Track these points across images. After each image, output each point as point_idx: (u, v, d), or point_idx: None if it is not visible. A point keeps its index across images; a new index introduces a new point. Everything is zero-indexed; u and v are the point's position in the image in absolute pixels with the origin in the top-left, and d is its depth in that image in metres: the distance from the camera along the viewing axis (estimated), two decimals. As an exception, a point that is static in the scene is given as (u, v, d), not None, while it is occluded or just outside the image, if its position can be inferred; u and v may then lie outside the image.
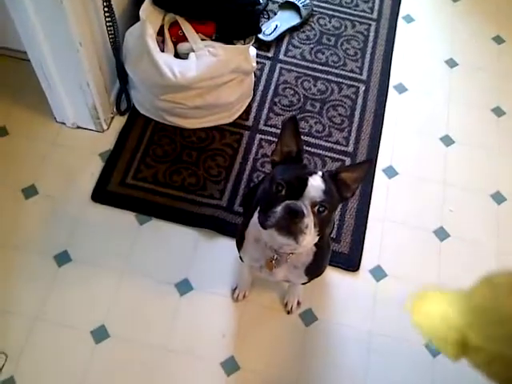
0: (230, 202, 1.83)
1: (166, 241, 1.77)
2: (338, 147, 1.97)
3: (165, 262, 1.74)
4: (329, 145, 1.97)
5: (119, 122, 1.98)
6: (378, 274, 1.76)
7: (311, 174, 1.08)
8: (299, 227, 1.02)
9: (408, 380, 1.60)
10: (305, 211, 1.02)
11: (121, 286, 1.69)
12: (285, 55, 2.17)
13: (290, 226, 1.01)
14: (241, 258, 1.43)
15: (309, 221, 1.03)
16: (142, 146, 1.92)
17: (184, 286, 1.70)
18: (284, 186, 1.05)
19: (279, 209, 1.02)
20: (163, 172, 1.87)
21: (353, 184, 1.13)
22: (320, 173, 1.09)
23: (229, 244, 1.74)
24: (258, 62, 2.06)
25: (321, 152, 1.95)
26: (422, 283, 1.74)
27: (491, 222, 1.89)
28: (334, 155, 1.95)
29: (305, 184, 1.04)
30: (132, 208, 1.81)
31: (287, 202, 1.03)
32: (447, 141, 2.04)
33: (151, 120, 1.96)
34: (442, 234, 1.85)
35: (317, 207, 1.05)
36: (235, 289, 1.68)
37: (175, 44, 1.84)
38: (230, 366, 1.59)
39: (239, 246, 1.37)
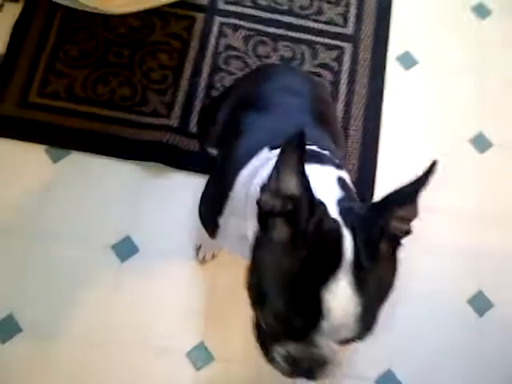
0: (182, 119, 1.31)
1: (94, 183, 1.25)
2: (333, 28, 1.40)
3: (95, 215, 1.22)
4: (319, 26, 1.39)
5: (11, 11, 1.37)
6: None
7: (334, 270, 0.57)
8: (321, 374, 0.66)
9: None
10: (327, 357, 0.63)
11: (31, 257, 1.17)
12: None
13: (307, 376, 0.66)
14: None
15: (334, 358, 0.64)
16: (47, 46, 1.39)
17: (126, 248, 1.20)
18: (282, 323, 0.61)
19: (279, 357, 0.65)
20: (82, 82, 1.35)
21: (405, 224, 0.62)
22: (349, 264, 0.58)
23: (186, 181, 1.25)
24: None
25: (308, 37, 1.38)
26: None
27: None
28: (328, 41, 1.38)
29: (320, 310, 0.57)
30: (40, 138, 1.29)
31: (291, 347, 0.63)
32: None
33: (58, 5, 1.34)
34: (482, 143, 1.37)
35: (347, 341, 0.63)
36: (200, 247, 1.18)
37: None
38: (201, 355, 1.14)
39: (211, 233, 0.88)
